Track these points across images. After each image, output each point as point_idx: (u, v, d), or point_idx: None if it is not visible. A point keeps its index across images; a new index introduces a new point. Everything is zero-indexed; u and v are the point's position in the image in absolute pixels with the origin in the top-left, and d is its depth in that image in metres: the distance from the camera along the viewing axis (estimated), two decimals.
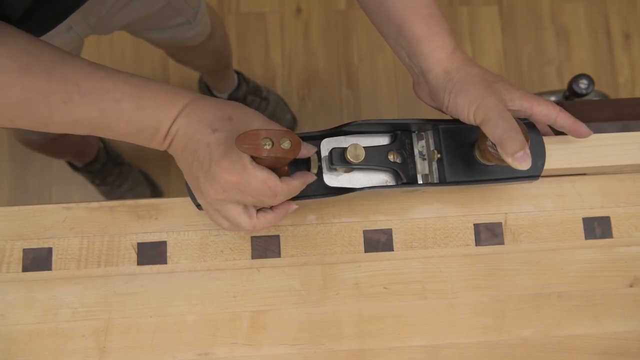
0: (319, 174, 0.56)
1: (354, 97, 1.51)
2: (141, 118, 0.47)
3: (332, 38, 1.53)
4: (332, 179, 0.56)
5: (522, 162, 0.48)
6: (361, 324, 0.60)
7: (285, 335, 0.59)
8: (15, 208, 0.61)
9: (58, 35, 0.64)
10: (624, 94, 1.54)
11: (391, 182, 0.58)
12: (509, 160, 0.49)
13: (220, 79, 1.33)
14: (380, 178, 0.58)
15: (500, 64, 1.54)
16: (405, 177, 0.57)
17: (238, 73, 1.40)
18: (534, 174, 0.58)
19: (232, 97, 1.40)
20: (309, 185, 0.56)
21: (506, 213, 0.63)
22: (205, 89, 1.43)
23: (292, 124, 1.46)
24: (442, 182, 0.57)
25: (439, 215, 0.62)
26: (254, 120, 0.50)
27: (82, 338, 0.58)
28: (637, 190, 0.64)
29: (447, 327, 0.60)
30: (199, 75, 1.42)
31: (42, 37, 0.52)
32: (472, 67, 0.56)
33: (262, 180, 0.48)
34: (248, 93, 1.41)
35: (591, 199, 0.63)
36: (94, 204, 0.61)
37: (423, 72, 0.57)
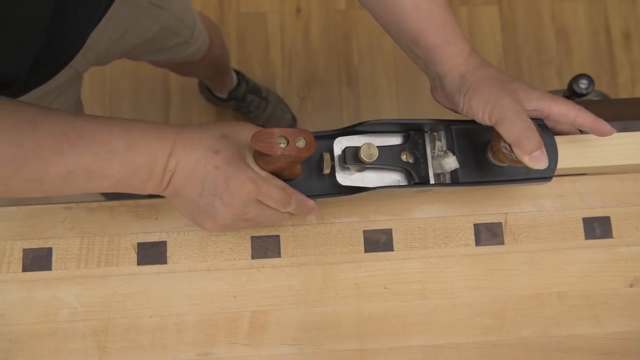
0: (332, 173, 0.56)
1: (354, 97, 1.51)
2: (135, 155, 0.47)
3: (332, 38, 1.53)
4: (345, 178, 0.56)
5: (539, 161, 0.48)
6: (361, 324, 0.60)
7: (285, 335, 0.59)
8: (15, 208, 0.61)
9: (59, 74, 0.64)
10: (624, 94, 1.54)
11: (403, 182, 0.58)
12: (526, 160, 0.48)
13: (220, 81, 1.34)
14: (392, 178, 0.58)
15: (500, 64, 1.54)
16: (417, 177, 0.57)
17: (238, 72, 1.41)
18: (547, 175, 0.57)
19: (232, 96, 1.41)
20: (321, 184, 0.56)
21: (506, 213, 0.63)
22: (206, 90, 1.44)
23: (292, 124, 1.46)
24: (455, 182, 0.57)
25: (439, 215, 0.62)
26: (244, 132, 0.50)
27: (82, 338, 0.58)
28: (637, 190, 0.64)
29: (447, 327, 0.60)
30: None
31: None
32: (488, 68, 0.55)
33: (281, 187, 0.50)
34: (248, 92, 1.41)
35: (591, 199, 0.63)
36: (94, 204, 0.61)
37: (439, 77, 0.57)
